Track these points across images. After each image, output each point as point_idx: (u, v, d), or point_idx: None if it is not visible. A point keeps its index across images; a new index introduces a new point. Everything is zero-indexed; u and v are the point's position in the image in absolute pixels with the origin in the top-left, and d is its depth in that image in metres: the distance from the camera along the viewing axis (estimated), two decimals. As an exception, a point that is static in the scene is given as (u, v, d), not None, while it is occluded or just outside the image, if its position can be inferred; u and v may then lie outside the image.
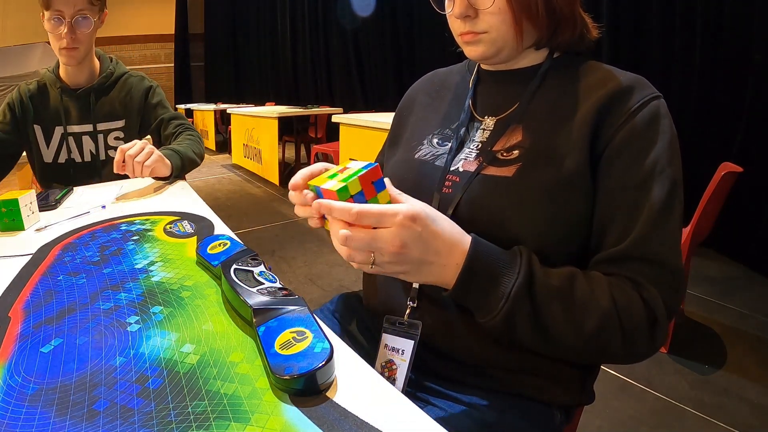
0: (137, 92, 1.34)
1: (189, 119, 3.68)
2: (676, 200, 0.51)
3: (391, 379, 0.58)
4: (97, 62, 1.33)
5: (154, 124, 1.37)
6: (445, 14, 0.60)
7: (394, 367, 0.59)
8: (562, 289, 0.48)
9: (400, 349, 0.59)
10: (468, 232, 0.49)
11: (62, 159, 1.32)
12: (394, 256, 0.43)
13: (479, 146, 0.61)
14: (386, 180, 0.47)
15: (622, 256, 0.50)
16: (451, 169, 0.61)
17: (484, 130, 0.62)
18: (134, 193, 1.12)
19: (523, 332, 0.48)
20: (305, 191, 0.50)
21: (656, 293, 0.48)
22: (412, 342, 0.58)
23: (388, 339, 0.60)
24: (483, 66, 0.67)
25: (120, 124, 1.34)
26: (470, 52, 0.60)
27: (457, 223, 0.49)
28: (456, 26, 0.59)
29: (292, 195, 0.52)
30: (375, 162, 0.50)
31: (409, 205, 0.44)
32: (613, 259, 0.51)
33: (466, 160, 0.60)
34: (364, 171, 0.45)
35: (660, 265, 0.49)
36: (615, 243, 0.51)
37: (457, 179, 0.59)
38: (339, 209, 0.43)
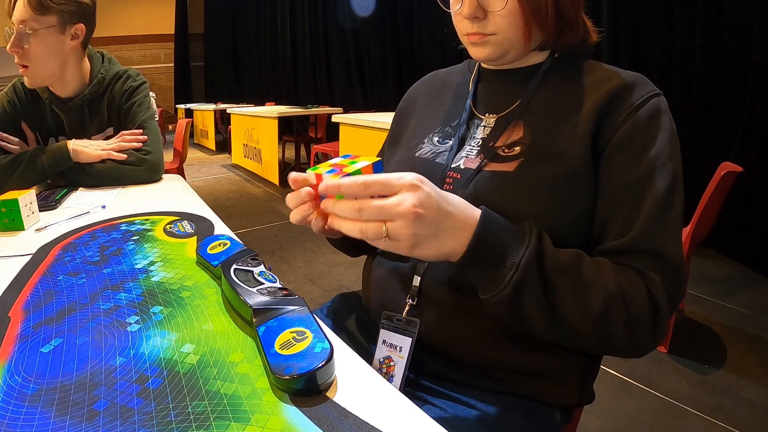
0: (118, 95, 1.25)
1: (188, 119, 3.69)
2: (677, 194, 0.51)
3: (389, 376, 0.58)
4: (87, 67, 1.22)
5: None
6: (449, 12, 0.60)
7: (391, 363, 0.59)
8: (570, 265, 0.47)
9: (398, 346, 0.59)
10: None
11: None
12: (409, 219, 0.41)
13: (480, 143, 0.61)
14: None
15: (624, 249, 0.50)
16: (452, 166, 0.61)
17: (485, 127, 0.62)
18: (134, 194, 1.12)
19: (530, 306, 0.46)
20: (302, 189, 0.48)
21: (659, 284, 0.48)
22: (410, 339, 0.58)
23: (386, 335, 0.60)
24: (484, 65, 0.67)
25: (110, 132, 1.28)
26: (476, 52, 0.60)
27: None
28: (462, 26, 0.59)
29: (290, 197, 0.50)
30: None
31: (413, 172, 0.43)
32: (616, 251, 0.51)
33: (468, 158, 0.60)
34: (366, 165, 0.45)
35: (662, 259, 0.49)
36: (617, 236, 0.51)
37: (458, 176, 0.59)
38: (347, 183, 0.42)
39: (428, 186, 0.42)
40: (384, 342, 0.60)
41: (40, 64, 1.11)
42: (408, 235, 0.41)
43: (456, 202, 0.45)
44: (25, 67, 1.09)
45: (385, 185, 0.41)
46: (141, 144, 1.22)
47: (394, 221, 0.41)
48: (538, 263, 0.46)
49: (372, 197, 0.42)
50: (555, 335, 0.50)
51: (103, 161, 1.17)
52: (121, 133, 1.22)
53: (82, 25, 1.14)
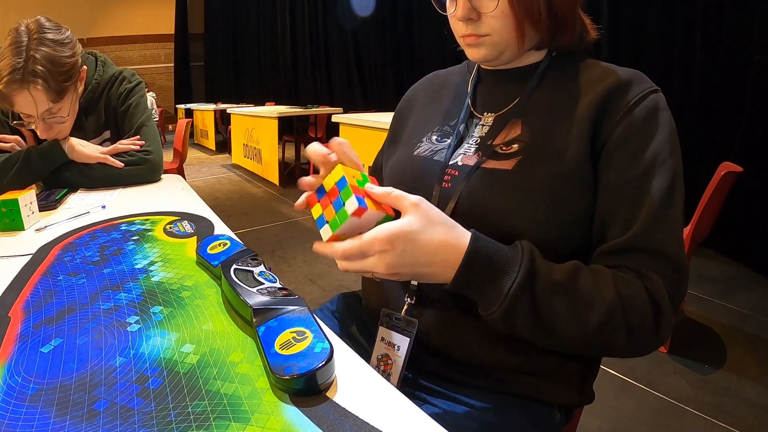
0: (114, 98, 1.25)
1: (188, 119, 3.69)
2: (677, 192, 0.51)
3: (386, 374, 0.58)
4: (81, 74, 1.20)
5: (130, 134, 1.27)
6: (446, 15, 0.60)
7: (389, 361, 0.59)
8: (565, 284, 0.47)
9: (396, 344, 0.59)
10: (468, 225, 0.49)
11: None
12: (388, 275, 0.47)
13: (478, 141, 0.61)
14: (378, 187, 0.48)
15: (625, 248, 0.50)
16: (450, 163, 0.61)
17: (483, 125, 0.62)
18: (134, 194, 1.12)
19: (524, 328, 0.48)
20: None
21: (660, 284, 0.48)
22: (408, 339, 0.58)
23: (385, 333, 0.60)
24: (483, 65, 0.67)
25: (107, 134, 1.28)
26: (472, 54, 0.60)
27: (456, 217, 0.49)
28: (458, 28, 0.59)
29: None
30: (364, 172, 0.52)
31: (389, 226, 0.45)
32: (616, 251, 0.51)
33: (466, 155, 0.60)
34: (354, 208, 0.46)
35: (663, 257, 0.49)
36: (617, 235, 0.51)
37: (456, 173, 0.59)
38: (331, 252, 0.47)
39: (401, 242, 0.45)
40: (382, 339, 0.60)
41: (69, 125, 1.14)
42: (395, 278, 0.48)
43: (436, 245, 0.46)
44: (58, 133, 1.11)
45: (360, 253, 0.46)
46: (139, 147, 1.22)
47: (377, 274, 0.47)
48: (529, 288, 0.47)
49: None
50: (554, 348, 0.52)
51: (99, 164, 1.17)
52: (119, 141, 1.22)
53: (84, 67, 1.14)
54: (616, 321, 0.47)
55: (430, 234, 0.46)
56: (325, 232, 0.48)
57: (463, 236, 0.48)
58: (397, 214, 0.47)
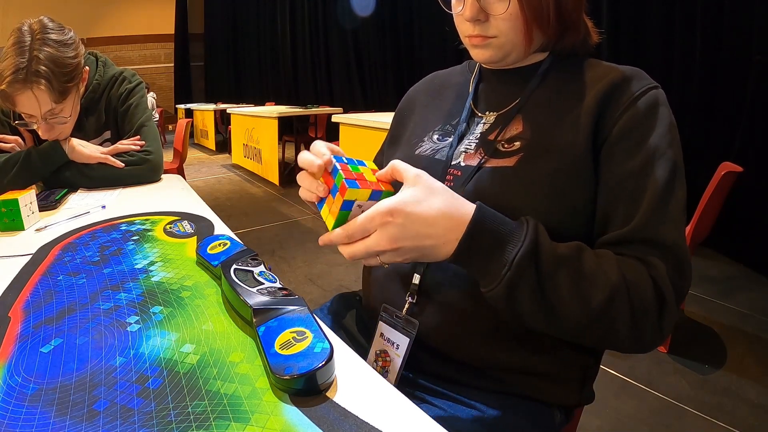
0: (114, 98, 1.25)
1: (188, 119, 3.69)
2: (677, 183, 0.51)
3: (384, 371, 0.58)
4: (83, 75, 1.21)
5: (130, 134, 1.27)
6: (451, 13, 0.60)
7: (387, 358, 0.59)
8: (569, 259, 0.47)
9: (396, 343, 0.59)
10: None
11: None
12: (391, 251, 0.46)
13: (479, 137, 0.61)
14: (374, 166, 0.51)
15: (627, 239, 0.50)
16: (453, 163, 0.61)
17: (485, 124, 0.62)
18: (134, 194, 1.12)
19: (526, 302, 0.46)
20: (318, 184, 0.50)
21: (664, 272, 0.47)
22: (408, 339, 0.58)
23: (384, 329, 0.60)
24: (485, 65, 0.67)
25: (107, 135, 1.28)
26: (477, 54, 0.60)
27: None
28: (464, 28, 0.59)
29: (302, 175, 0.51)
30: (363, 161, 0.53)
31: (389, 199, 0.45)
32: (618, 241, 0.50)
33: (467, 153, 0.60)
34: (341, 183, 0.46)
35: (665, 247, 0.49)
36: (619, 227, 0.51)
37: (459, 173, 0.59)
38: (336, 238, 0.47)
39: (400, 215, 0.44)
40: (382, 335, 0.60)
41: (71, 125, 1.14)
42: (397, 260, 0.47)
43: (437, 216, 0.45)
44: (60, 134, 1.12)
45: (363, 230, 0.45)
46: (139, 147, 1.22)
47: (382, 255, 0.46)
48: (533, 259, 0.45)
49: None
50: (556, 330, 0.49)
51: (99, 164, 1.17)
52: (119, 142, 1.23)
53: (87, 68, 1.15)
54: (620, 303, 0.46)
55: (430, 203, 0.45)
56: (329, 221, 0.48)
57: (466, 206, 0.47)
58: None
